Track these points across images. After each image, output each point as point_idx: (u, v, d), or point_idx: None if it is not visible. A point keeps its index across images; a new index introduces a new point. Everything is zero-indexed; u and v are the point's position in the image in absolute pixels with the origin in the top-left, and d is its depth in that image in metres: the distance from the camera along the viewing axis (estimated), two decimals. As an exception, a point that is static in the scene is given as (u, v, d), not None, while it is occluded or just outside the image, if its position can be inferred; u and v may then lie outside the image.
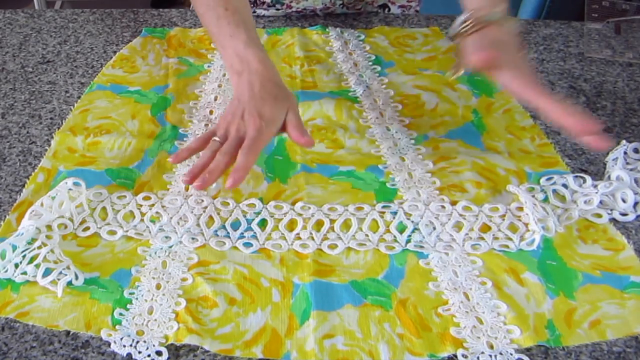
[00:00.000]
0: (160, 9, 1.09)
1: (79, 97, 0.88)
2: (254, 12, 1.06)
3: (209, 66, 0.94)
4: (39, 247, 0.64)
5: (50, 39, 1.01)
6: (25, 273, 0.62)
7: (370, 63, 0.95)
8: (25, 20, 1.06)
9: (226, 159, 0.66)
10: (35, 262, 0.63)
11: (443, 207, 0.71)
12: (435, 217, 0.70)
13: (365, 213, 0.71)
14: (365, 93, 0.89)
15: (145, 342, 0.57)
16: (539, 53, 0.99)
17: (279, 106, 0.69)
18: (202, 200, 0.72)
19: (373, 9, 1.07)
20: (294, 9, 1.05)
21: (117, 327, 0.59)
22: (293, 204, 0.72)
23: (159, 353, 0.57)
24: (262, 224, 0.70)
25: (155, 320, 0.59)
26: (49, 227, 0.67)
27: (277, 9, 1.05)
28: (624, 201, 0.72)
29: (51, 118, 0.84)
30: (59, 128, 0.82)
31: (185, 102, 0.88)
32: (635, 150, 0.78)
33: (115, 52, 0.97)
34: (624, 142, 0.79)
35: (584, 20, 1.05)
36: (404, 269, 0.65)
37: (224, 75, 0.92)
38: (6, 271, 0.63)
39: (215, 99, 0.88)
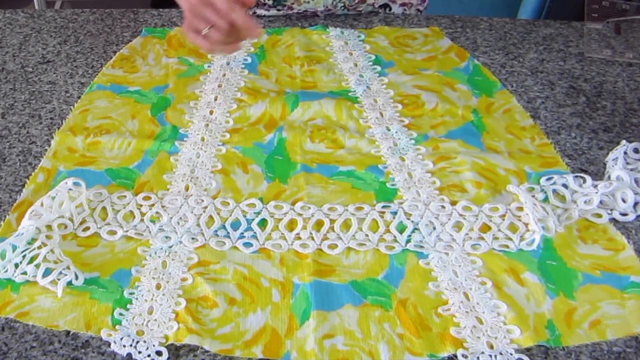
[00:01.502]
0: (160, 9, 1.09)
1: (79, 97, 0.88)
2: (254, 12, 1.06)
3: (209, 66, 0.94)
4: (39, 247, 0.64)
5: (50, 39, 1.00)
6: (25, 273, 0.62)
7: (370, 63, 0.95)
8: (25, 20, 1.05)
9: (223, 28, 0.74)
10: (35, 262, 0.63)
11: (443, 207, 0.71)
12: (435, 217, 0.70)
13: (365, 213, 0.71)
14: (365, 93, 0.89)
15: (145, 342, 0.57)
16: (539, 53, 0.98)
17: None
18: (202, 200, 0.72)
19: (374, 9, 1.07)
20: (295, 10, 1.05)
21: (117, 327, 0.59)
22: (293, 204, 0.72)
23: (159, 353, 0.57)
24: (262, 224, 0.70)
25: (155, 320, 0.59)
26: (49, 227, 0.67)
27: (278, 10, 1.05)
28: (624, 201, 0.72)
29: (51, 118, 0.84)
30: (59, 128, 0.82)
31: (185, 102, 0.87)
32: (635, 150, 0.78)
33: (115, 52, 0.97)
34: (624, 142, 0.79)
35: (584, 20, 1.05)
36: (404, 269, 0.65)
37: (224, 75, 0.92)
38: (6, 271, 0.63)
39: (215, 99, 0.88)
